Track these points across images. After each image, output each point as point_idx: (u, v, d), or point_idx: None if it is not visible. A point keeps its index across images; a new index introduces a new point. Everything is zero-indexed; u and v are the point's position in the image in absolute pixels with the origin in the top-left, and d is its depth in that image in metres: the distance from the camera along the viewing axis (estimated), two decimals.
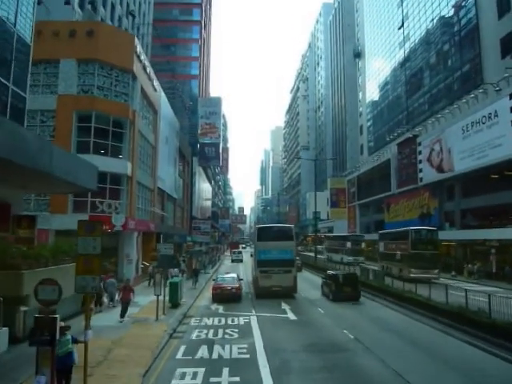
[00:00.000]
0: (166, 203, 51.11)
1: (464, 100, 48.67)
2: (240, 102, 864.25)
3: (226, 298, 28.02)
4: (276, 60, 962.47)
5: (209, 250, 62.62)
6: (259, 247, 31.63)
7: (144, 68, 38.46)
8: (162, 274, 23.51)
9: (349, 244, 60.71)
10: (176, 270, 31.73)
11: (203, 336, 18.48)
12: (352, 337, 18.07)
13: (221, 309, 25.59)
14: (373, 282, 32.74)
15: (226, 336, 18.40)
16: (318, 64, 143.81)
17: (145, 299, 27.03)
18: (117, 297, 27.28)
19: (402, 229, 44.75)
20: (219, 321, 21.89)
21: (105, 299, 26.26)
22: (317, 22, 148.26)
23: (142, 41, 58.41)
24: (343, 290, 28.20)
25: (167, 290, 25.45)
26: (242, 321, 21.82)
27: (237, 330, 19.42)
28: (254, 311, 24.70)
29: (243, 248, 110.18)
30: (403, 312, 23.78)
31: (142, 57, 37.67)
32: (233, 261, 72.73)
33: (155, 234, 44.47)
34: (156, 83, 43.64)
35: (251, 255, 41.56)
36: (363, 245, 61.77)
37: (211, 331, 19.29)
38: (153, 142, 43.27)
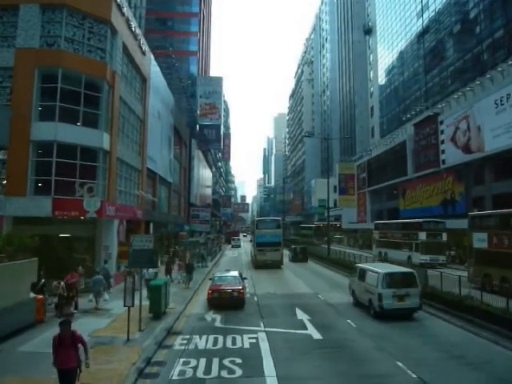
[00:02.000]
0: (158, 187, 44.95)
1: (499, 69, 42.62)
2: (242, 90, 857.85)
3: (226, 303, 21.82)
4: (278, 46, 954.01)
5: (208, 240, 56.69)
6: (257, 233, 45.67)
7: (128, 23, 32.07)
8: (135, 277, 17.38)
9: (422, 235, 40.82)
10: (151, 270, 25.28)
11: (189, 373, 12.41)
12: (414, 376, 12.02)
13: (218, 320, 19.40)
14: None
15: (224, 373, 12.35)
16: (324, 46, 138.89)
17: (122, 305, 20.79)
18: (106, 296, 22.00)
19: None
20: (215, 341, 15.76)
21: (92, 298, 21.56)
22: (322, 2, 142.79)
23: (134, 12, 52.42)
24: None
25: (146, 294, 19.50)
26: (246, 341, 15.72)
27: (240, 361, 13.30)
28: (262, 324, 18.50)
29: (244, 236, 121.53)
30: (465, 327, 17.65)
31: (125, 9, 31.25)
32: (232, 246, 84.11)
33: (144, 222, 38.33)
34: (144, 45, 37.25)
35: (250, 241, 58.97)
36: (444, 236, 41.36)
37: (202, 362, 13.21)
38: (140, 115, 36.94)
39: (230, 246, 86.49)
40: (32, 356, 13.73)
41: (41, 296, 18.50)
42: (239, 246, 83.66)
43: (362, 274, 21.77)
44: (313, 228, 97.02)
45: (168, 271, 30.93)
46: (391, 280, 19.46)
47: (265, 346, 15.03)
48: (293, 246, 54.53)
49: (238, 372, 12.44)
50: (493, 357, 13.96)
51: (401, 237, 45.09)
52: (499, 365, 13.21)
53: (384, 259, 44.29)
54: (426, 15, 62.57)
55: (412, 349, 14.73)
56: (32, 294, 17.87)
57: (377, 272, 20.12)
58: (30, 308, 17.29)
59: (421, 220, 43.02)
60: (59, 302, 19.81)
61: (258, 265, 43.69)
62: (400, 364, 12.98)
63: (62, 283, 20.03)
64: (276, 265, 43.47)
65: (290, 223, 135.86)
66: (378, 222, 55.30)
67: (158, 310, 19.25)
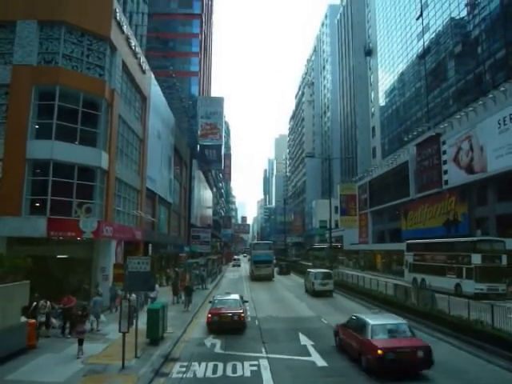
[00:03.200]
0: (158, 208, 44.28)
1: (502, 88, 42.26)
2: (243, 111, 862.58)
3: (226, 328, 21.01)
4: (279, 68, 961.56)
5: (208, 261, 55.86)
6: (253, 254, 59.64)
7: (128, 41, 31.74)
8: (132, 301, 16.60)
9: (477, 258, 32.96)
10: (154, 293, 24.42)
11: None
12: None
13: (218, 345, 18.58)
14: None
15: None
16: (324, 68, 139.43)
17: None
18: (103, 318, 21.37)
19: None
20: (215, 369, 14.98)
21: (89, 324, 20.35)
22: (322, 24, 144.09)
23: (135, 31, 52.33)
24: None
25: (143, 319, 18.70)
26: (247, 369, 14.94)
27: None
28: (263, 350, 17.70)
29: (244, 256, 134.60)
30: (474, 353, 16.83)
31: (125, 27, 30.92)
32: (233, 265, 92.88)
33: (143, 243, 37.57)
34: (145, 64, 36.90)
35: (248, 260, 75.91)
36: (504, 259, 33.24)
37: None
38: (140, 134, 36.45)
39: (231, 265, 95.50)
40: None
41: (33, 320, 17.72)
42: (239, 266, 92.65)
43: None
44: (325, 249, 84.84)
45: (175, 292, 31.37)
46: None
47: (267, 375, 14.28)
48: (280, 263, 72.15)
49: None
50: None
51: (445, 260, 37.22)
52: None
53: (421, 287, 35.76)
54: (426, 36, 62.55)
55: (422, 376, 13.91)
56: (23, 319, 17.11)
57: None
58: (20, 333, 16.50)
59: (475, 239, 36.61)
60: (71, 321, 19.41)
61: (255, 278, 55.39)
62: None
63: (49, 303, 19.35)
64: (268, 278, 55.18)
65: (291, 244, 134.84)
66: (411, 243, 46.46)
67: (155, 335, 18.40)
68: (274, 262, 65.06)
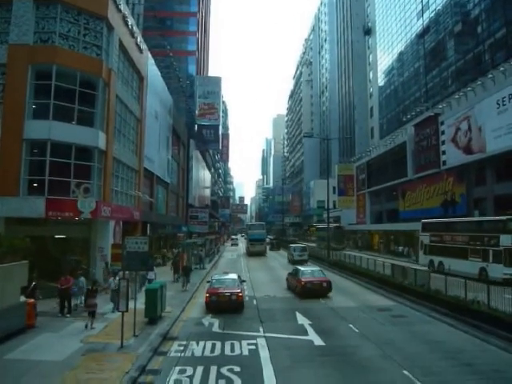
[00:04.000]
0: (155, 188, 44.27)
1: (501, 68, 41.98)
2: (240, 91, 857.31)
3: (224, 307, 21.18)
4: (277, 47, 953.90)
5: (206, 241, 55.99)
6: (249, 233, 69.71)
7: (125, 20, 31.39)
8: (131, 281, 16.68)
9: (507, 239, 29.19)
10: (151, 273, 24.50)
11: (185, 383, 11.79)
12: None
13: (216, 324, 18.75)
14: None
15: (222, 383, 11.73)
16: (323, 47, 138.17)
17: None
18: (78, 301, 21.33)
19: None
20: (213, 347, 15.12)
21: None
22: (321, 3, 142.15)
23: (132, 10, 51.75)
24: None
25: (141, 299, 18.83)
26: (245, 348, 15.08)
27: (238, 369, 12.66)
28: (261, 329, 17.83)
29: (241, 236, 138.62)
30: (471, 332, 17.04)
31: (122, 6, 30.56)
32: (232, 245, 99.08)
33: (141, 223, 37.63)
34: (142, 43, 36.56)
35: (245, 239, 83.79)
36: None
37: (199, 371, 12.56)
38: (138, 114, 36.29)
39: (230, 244, 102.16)
40: (20, 364, 13.08)
41: (32, 300, 17.83)
42: (237, 245, 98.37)
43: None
44: (332, 229, 70.79)
45: (176, 270, 32.02)
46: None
47: (264, 354, 14.39)
48: (270, 239, 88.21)
49: (237, 382, 11.80)
50: (502, 365, 13.37)
51: (468, 241, 33.35)
52: (510, 374, 12.61)
53: (438, 271, 33.37)
54: (426, 15, 61.90)
55: (418, 356, 14.06)
56: (22, 298, 17.21)
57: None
58: (20, 313, 16.60)
59: (504, 218, 30.93)
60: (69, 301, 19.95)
61: (250, 254, 64.84)
62: (406, 373, 12.38)
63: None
64: (262, 253, 65.09)
65: (289, 224, 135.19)
66: (428, 222, 42.33)
67: (153, 315, 18.52)
68: (267, 240, 78.31)
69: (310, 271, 27.90)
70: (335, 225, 79.64)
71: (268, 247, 73.53)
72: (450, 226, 38.71)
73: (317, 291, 25.64)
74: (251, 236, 67.75)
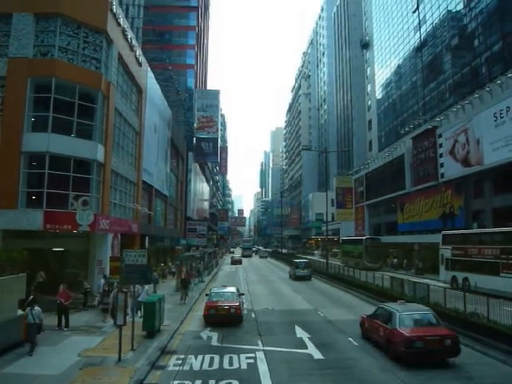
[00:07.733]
0: (154, 201, 44.24)
1: (498, 81, 42.22)
2: (239, 104, 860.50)
3: (223, 320, 21.08)
4: (275, 61, 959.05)
5: (204, 254, 55.86)
6: (243, 244, 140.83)
7: (124, 34, 31.56)
8: (128, 294, 16.58)
9: None
10: (146, 287, 24.26)
11: None
12: None
13: (215, 338, 18.63)
14: None
15: None
16: (321, 61, 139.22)
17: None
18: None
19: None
20: (211, 361, 15.02)
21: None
22: (319, 17, 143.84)
23: (131, 24, 52.04)
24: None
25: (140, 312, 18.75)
26: (244, 361, 14.98)
27: (237, 383, 12.59)
28: (260, 342, 17.72)
29: (240, 247, 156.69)
30: (470, 345, 16.91)
31: (122, 20, 30.75)
32: (232, 262, 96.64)
33: (139, 236, 37.55)
34: (141, 57, 36.71)
35: (240, 247, 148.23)
36: None
37: None
38: (136, 127, 36.35)
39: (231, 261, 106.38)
40: (17, 378, 12.97)
41: None
42: (240, 262, 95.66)
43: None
44: (363, 243, 61.28)
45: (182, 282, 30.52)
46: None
47: (263, 367, 14.29)
48: (261, 250, 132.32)
49: None
50: (502, 377, 13.29)
51: (499, 254, 29.05)
52: None
53: (463, 288, 28.84)
54: (423, 29, 62.34)
55: (418, 370, 13.97)
56: (20, 312, 17.11)
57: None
58: (17, 326, 16.48)
59: None
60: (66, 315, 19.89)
61: (242, 256, 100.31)
62: None
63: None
64: (249, 256, 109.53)
65: (287, 237, 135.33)
66: (449, 233, 38.57)
67: (151, 328, 18.40)
68: (254, 249, 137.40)
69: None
70: (367, 236, 66.39)
71: (259, 256, 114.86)
72: (477, 237, 34.63)
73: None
74: (244, 246, 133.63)
